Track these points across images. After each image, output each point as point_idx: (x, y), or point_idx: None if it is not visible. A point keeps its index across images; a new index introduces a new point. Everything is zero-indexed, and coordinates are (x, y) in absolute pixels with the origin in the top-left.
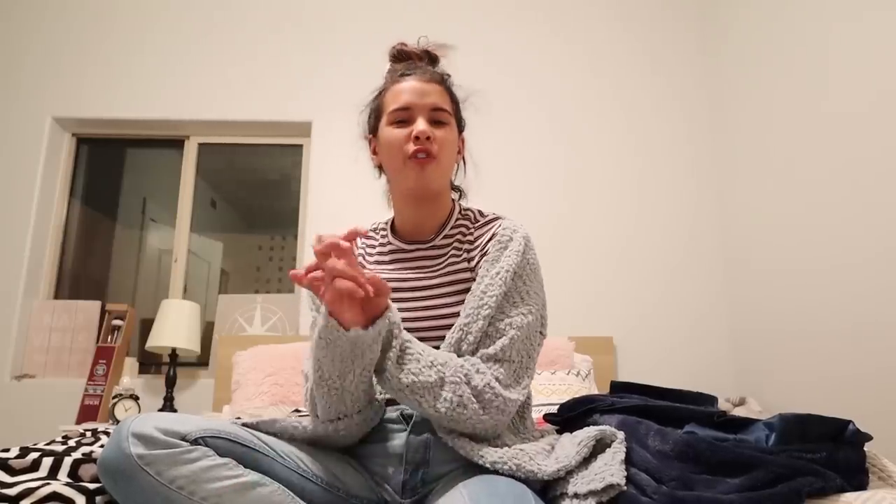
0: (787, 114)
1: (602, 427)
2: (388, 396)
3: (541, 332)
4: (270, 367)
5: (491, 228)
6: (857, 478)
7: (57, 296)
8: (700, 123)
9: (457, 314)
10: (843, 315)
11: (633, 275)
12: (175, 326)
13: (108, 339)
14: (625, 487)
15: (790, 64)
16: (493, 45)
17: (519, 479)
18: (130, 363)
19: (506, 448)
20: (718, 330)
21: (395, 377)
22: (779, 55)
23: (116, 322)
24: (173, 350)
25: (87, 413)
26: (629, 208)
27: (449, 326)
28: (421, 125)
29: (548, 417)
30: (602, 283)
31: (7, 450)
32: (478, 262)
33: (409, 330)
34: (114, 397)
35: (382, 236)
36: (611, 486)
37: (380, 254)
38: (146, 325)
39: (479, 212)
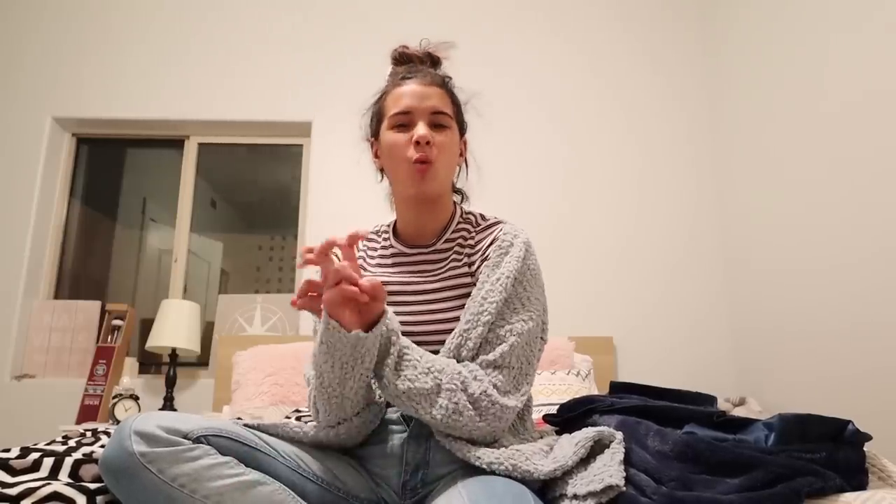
0: (787, 114)
1: (600, 428)
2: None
3: (541, 338)
4: (270, 367)
5: (492, 233)
6: (857, 478)
7: (57, 296)
8: (700, 123)
9: (457, 319)
10: (842, 315)
11: (633, 275)
12: (175, 326)
13: (108, 339)
14: (624, 488)
15: (790, 64)
16: (493, 46)
17: (516, 479)
18: (130, 363)
19: (502, 449)
20: (718, 330)
21: (392, 383)
22: (779, 55)
23: (116, 322)
24: (173, 350)
25: (87, 413)
26: (629, 208)
27: (449, 331)
28: (421, 130)
29: (547, 418)
30: (602, 283)
31: (8, 450)
32: (478, 267)
33: (409, 334)
34: (114, 397)
35: (384, 239)
36: (610, 487)
37: (381, 256)
38: (146, 325)
39: (481, 216)
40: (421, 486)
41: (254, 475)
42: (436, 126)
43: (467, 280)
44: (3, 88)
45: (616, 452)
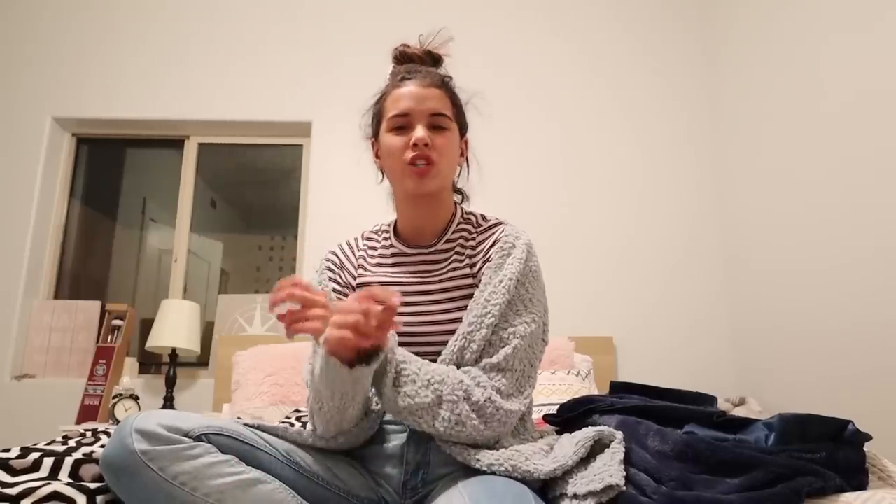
0: (787, 114)
1: (600, 427)
2: None
3: (543, 339)
4: (270, 367)
5: (493, 234)
6: (857, 478)
7: (57, 296)
8: (700, 123)
9: (458, 320)
10: (842, 315)
11: (633, 275)
12: (175, 326)
13: (108, 339)
14: (624, 488)
15: (789, 64)
16: (493, 46)
17: (516, 479)
18: (130, 363)
19: (502, 450)
20: (718, 330)
21: (391, 400)
22: (778, 55)
23: (116, 322)
24: (173, 350)
25: (87, 413)
26: (629, 208)
27: (450, 332)
28: (419, 132)
29: (547, 418)
30: (602, 283)
31: (8, 450)
32: (480, 269)
33: (410, 335)
34: (114, 397)
35: (385, 238)
36: (610, 487)
37: (381, 256)
38: (146, 325)
39: (482, 216)
40: (421, 485)
41: (254, 473)
42: (435, 128)
43: (469, 281)
44: (3, 88)
45: (616, 452)
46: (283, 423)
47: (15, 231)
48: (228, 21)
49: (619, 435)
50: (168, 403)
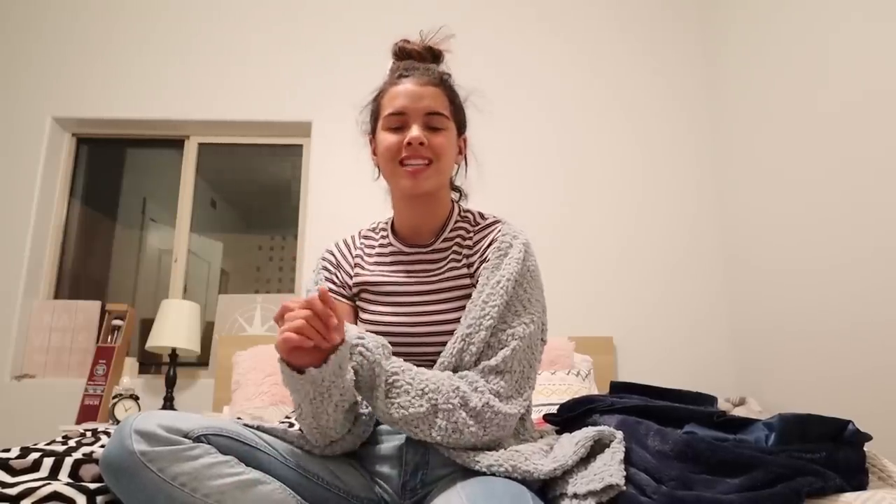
0: (787, 114)
1: (600, 427)
2: None
3: (542, 339)
4: (270, 367)
5: (490, 233)
6: (857, 478)
7: (57, 296)
8: (700, 124)
9: (455, 321)
10: (842, 315)
11: (633, 275)
12: (175, 326)
13: (108, 339)
14: (624, 487)
15: (789, 64)
16: (493, 46)
17: (515, 479)
18: (130, 363)
19: (501, 451)
20: (718, 330)
21: (385, 413)
22: (778, 55)
23: (116, 322)
24: (173, 350)
25: (87, 413)
26: (629, 208)
27: (447, 333)
28: (414, 131)
29: (548, 418)
30: (602, 283)
31: (8, 450)
32: (477, 269)
33: (406, 335)
34: (114, 397)
35: (383, 237)
36: (610, 487)
37: (379, 255)
38: (146, 325)
39: (480, 214)
40: (420, 486)
41: (254, 474)
42: (431, 127)
43: (466, 282)
44: (3, 88)
45: (616, 452)
46: (283, 423)
47: (15, 231)
48: (229, 21)
49: (619, 434)
50: (168, 403)
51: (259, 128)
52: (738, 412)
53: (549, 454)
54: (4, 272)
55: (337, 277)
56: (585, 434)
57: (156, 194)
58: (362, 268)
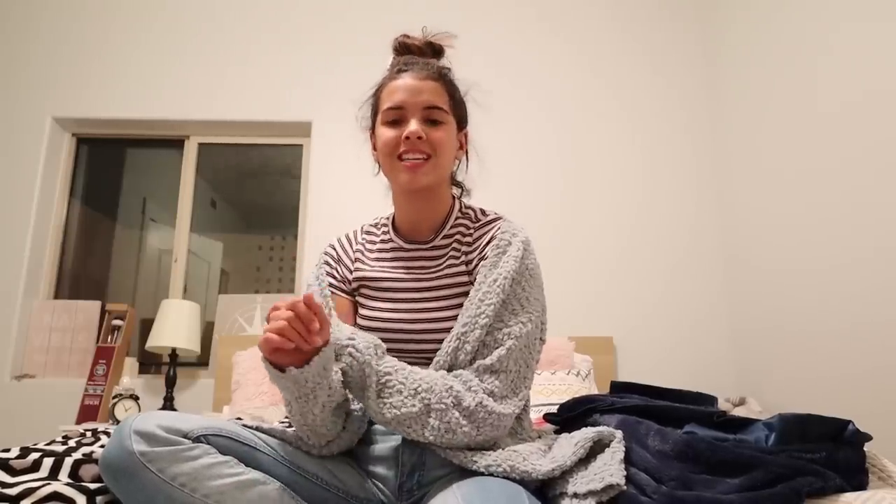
0: (787, 114)
1: (600, 427)
2: None
3: (540, 339)
4: None
5: (490, 230)
6: (857, 478)
7: (57, 296)
8: (700, 123)
9: (453, 318)
10: (842, 315)
11: (633, 275)
12: (175, 326)
13: (108, 339)
14: (624, 487)
15: (789, 64)
16: (493, 46)
17: (513, 480)
18: (130, 363)
19: (499, 451)
20: (718, 330)
21: (377, 412)
22: (778, 56)
23: (116, 322)
24: (173, 350)
25: (87, 413)
26: (629, 208)
27: (444, 331)
28: (413, 126)
29: (548, 417)
30: (602, 283)
31: (7, 450)
32: (476, 266)
33: (403, 331)
34: (114, 397)
35: (384, 233)
36: (610, 486)
37: (380, 250)
38: (146, 325)
39: (481, 210)
40: (417, 487)
41: (253, 474)
42: (430, 121)
43: (465, 279)
44: (3, 88)
45: (616, 451)
46: (283, 423)
47: (15, 231)
48: (228, 21)
49: (619, 434)
50: (168, 403)
51: (259, 128)
52: (738, 412)
53: (547, 454)
54: (4, 272)
55: (337, 272)
56: (584, 435)
57: (156, 194)
58: (362, 263)
